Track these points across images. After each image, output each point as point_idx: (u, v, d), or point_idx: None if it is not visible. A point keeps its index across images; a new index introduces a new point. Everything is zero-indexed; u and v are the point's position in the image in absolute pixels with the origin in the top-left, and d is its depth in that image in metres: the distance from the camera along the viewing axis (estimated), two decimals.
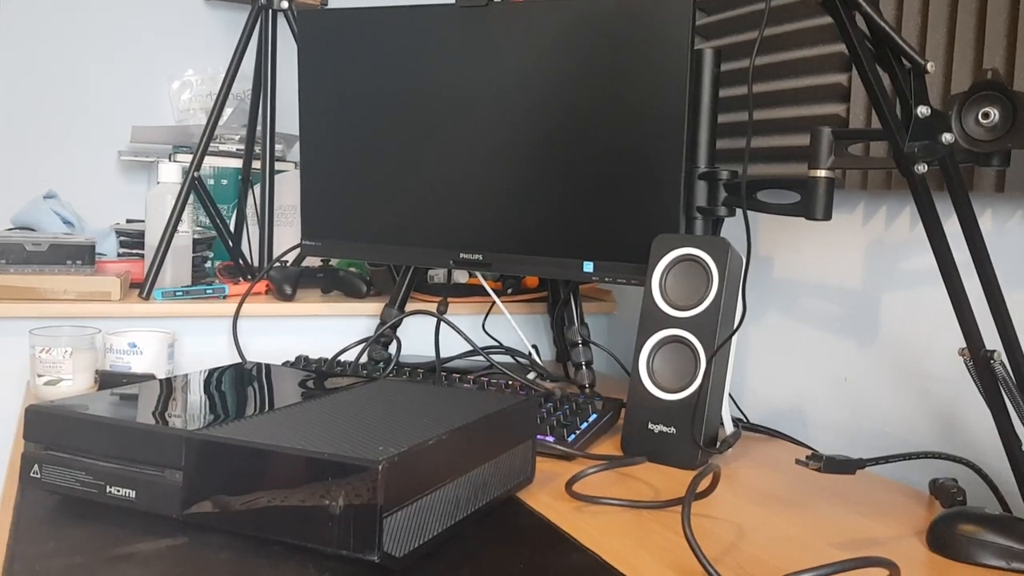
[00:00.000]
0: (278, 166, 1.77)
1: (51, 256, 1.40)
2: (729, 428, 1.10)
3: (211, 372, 1.00)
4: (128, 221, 1.80)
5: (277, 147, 1.80)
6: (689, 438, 1.01)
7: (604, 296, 1.70)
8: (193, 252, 1.54)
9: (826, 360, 1.22)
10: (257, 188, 1.66)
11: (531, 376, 1.39)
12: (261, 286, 1.53)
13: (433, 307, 1.43)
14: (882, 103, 0.80)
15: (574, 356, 1.36)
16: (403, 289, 1.43)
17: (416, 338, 1.55)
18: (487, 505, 0.81)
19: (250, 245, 1.73)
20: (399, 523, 0.67)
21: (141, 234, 1.56)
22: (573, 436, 1.05)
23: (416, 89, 1.31)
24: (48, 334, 1.21)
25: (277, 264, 1.55)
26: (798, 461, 0.85)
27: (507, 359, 1.47)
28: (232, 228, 1.71)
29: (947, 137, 0.78)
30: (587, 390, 1.33)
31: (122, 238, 1.63)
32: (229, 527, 0.72)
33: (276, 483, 0.69)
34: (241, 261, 1.67)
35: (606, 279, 1.22)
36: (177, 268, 1.50)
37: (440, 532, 0.73)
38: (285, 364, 1.31)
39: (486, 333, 1.56)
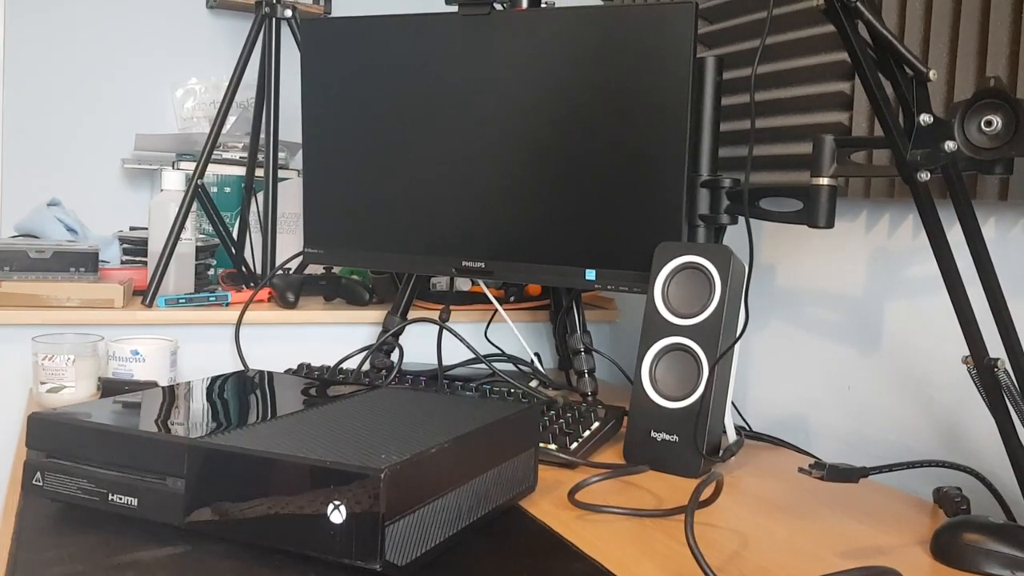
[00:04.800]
0: (281, 174, 1.77)
1: (54, 263, 1.40)
2: (732, 436, 1.10)
3: (213, 380, 1.00)
4: (131, 228, 1.80)
5: (280, 155, 1.80)
6: (692, 446, 1.01)
7: (606, 304, 1.70)
8: (196, 260, 1.55)
9: (829, 368, 1.21)
10: (260, 196, 1.66)
11: (533, 384, 1.38)
12: (264, 294, 1.54)
13: (435, 315, 1.43)
14: (884, 111, 0.80)
15: (576, 364, 1.36)
16: (405, 297, 1.43)
17: (418, 346, 1.54)
18: (489, 514, 0.81)
19: (253, 253, 1.73)
20: (401, 531, 0.67)
21: (144, 241, 1.56)
22: (575, 444, 1.05)
23: (419, 97, 1.31)
24: (51, 341, 1.21)
25: (280, 272, 1.55)
26: (801, 469, 0.84)
27: (509, 367, 1.47)
28: (235, 236, 1.71)
29: (950, 145, 0.78)
30: (589, 398, 1.33)
31: (125, 245, 1.63)
32: (231, 535, 0.72)
33: (278, 491, 0.69)
34: (244, 269, 1.67)
35: (608, 287, 1.22)
36: (180, 275, 1.50)
37: (442, 541, 0.73)
38: (287, 372, 1.31)
39: (488, 341, 1.56)
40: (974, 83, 0.99)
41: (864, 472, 0.85)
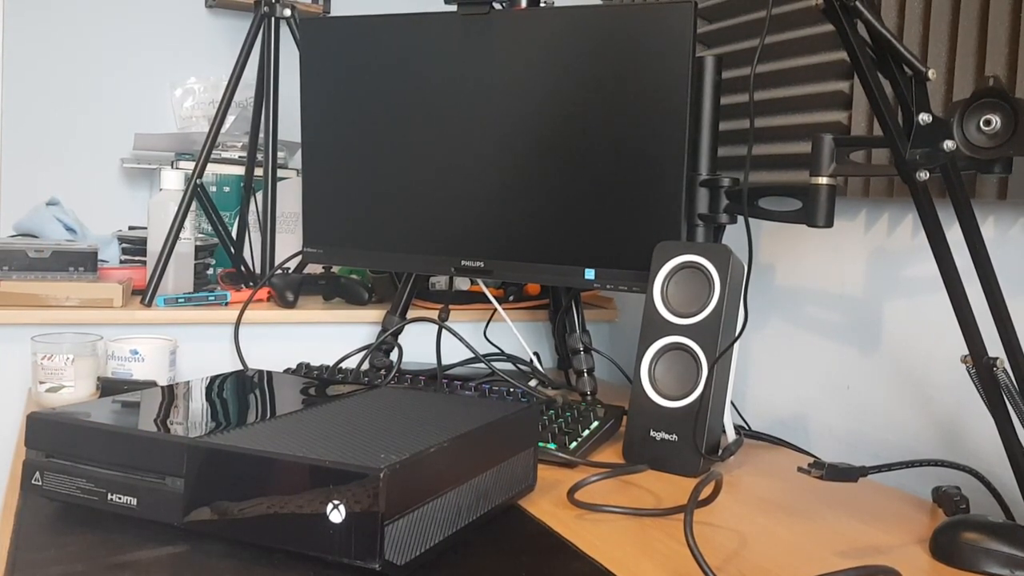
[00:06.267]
0: (280, 173, 1.77)
1: (53, 263, 1.40)
2: (731, 435, 1.10)
3: (212, 379, 1.00)
4: (130, 228, 1.80)
5: (279, 154, 1.80)
6: (691, 445, 1.01)
7: (606, 303, 1.70)
8: (195, 259, 1.55)
9: (828, 368, 1.21)
10: (259, 195, 1.66)
11: (533, 383, 1.38)
12: (263, 293, 1.53)
13: (435, 314, 1.43)
14: (884, 110, 0.80)
15: (576, 363, 1.36)
16: (405, 296, 1.43)
17: (418, 345, 1.54)
18: (489, 513, 0.81)
19: (252, 252, 1.73)
20: (400, 531, 0.67)
21: (143, 241, 1.56)
22: (575, 443, 1.05)
23: (418, 97, 1.31)
24: (50, 341, 1.21)
25: (279, 271, 1.55)
26: (800, 469, 0.84)
27: (509, 366, 1.47)
28: (234, 235, 1.71)
29: (949, 144, 0.78)
30: (589, 397, 1.33)
31: (124, 245, 1.63)
32: (230, 535, 0.72)
33: (277, 491, 0.69)
34: (243, 268, 1.67)
35: (608, 286, 1.22)
36: (179, 275, 1.50)
37: (442, 540, 0.73)
38: (286, 371, 1.31)
39: (488, 340, 1.56)
40: (973, 82, 0.99)
41: (863, 471, 0.85)
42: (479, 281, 1.53)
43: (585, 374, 1.35)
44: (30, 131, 1.84)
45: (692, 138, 1.16)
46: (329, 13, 2.00)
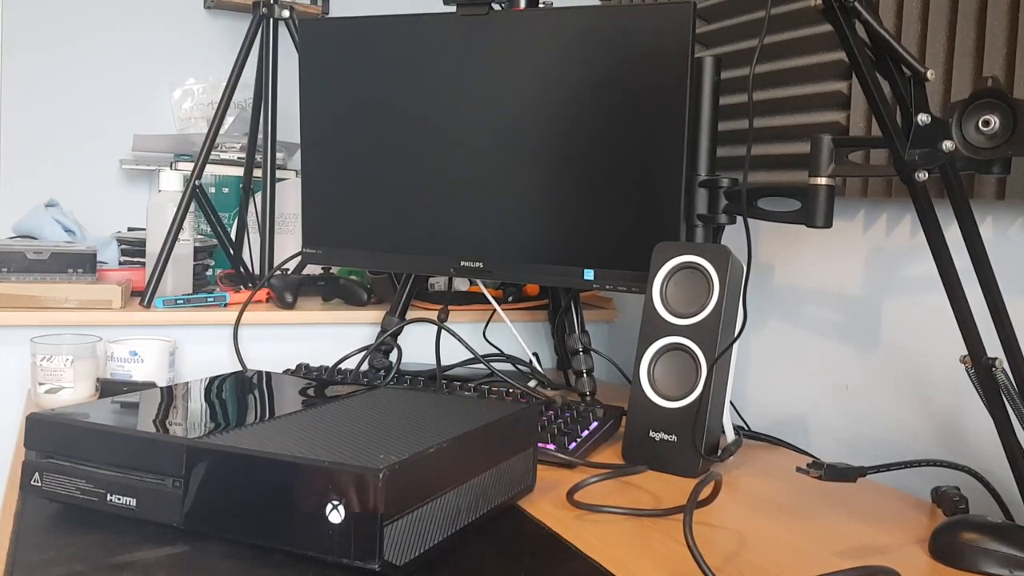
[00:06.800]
0: (279, 174, 1.77)
1: (52, 264, 1.40)
2: (730, 436, 1.10)
3: (212, 380, 1.00)
4: (129, 229, 1.79)
5: (278, 155, 1.80)
6: (690, 446, 1.01)
7: (605, 304, 1.70)
8: (194, 260, 1.55)
9: (827, 368, 1.22)
10: (258, 196, 1.66)
11: (532, 384, 1.38)
12: (262, 294, 1.53)
13: (434, 315, 1.43)
14: (882, 111, 0.80)
15: (575, 364, 1.36)
16: (404, 297, 1.43)
17: (417, 346, 1.54)
18: (488, 513, 0.81)
19: (251, 253, 1.73)
20: (400, 531, 0.67)
21: (142, 242, 1.56)
22: (574, 444, 1.05)
23: (417, 97, 1.32)
24: (49, 342, 1.21)
25: (278, 272, 1.55)
26: (799, 469, 0.84)
27: (508, 367, 1.47)
28: (233, 236, 1.71)
29: (947, 145, 0.78)
30: (588, 398, 1.33)
31: (123, 246, 1.63)
32: (230, 535, 0.72)
33: (276, 491, 0.69)
34: (242, 269, 1.67)
35: (607, 287, 1.22)
36: (178, 276, 1.50)
37: (441, 540, 0.73)
38: (286, 372, 1.31)
39: (487, 341, 1.56)
40: (971, 83, 0.99)
41: (862, 471, 0.85)
42: (478, 282, 1.53)
43: (584, 374, 1.35)
44: (29, 132, 1.84)
45: (691, 138, 1.16)
46: (328, 14, 2.00)
